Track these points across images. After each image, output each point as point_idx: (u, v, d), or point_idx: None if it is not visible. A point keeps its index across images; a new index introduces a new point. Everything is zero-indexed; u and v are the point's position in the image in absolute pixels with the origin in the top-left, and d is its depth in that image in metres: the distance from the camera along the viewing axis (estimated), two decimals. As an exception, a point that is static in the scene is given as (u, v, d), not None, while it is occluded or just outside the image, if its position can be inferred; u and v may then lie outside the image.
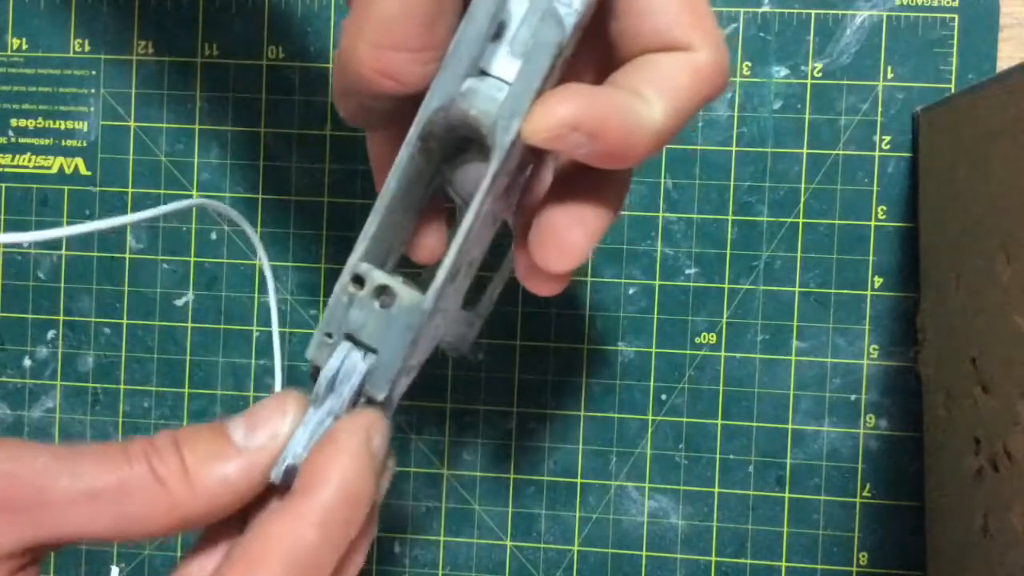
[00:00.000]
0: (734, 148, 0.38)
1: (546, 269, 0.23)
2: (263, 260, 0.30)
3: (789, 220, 0.38)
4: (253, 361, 0.39)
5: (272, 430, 0.22)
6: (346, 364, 0.22)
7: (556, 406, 0.39)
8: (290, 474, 0.21)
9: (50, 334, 0.40)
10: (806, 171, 0.38)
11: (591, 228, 0.23)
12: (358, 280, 0.22)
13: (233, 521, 0.23)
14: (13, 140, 0.40)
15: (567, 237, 0.23)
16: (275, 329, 0.29)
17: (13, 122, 0.40)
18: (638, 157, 0.22)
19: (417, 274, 0.25)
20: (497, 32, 0.22)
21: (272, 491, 0.22)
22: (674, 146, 0.38)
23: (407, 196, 0.23)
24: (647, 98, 0.21)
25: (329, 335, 0.22)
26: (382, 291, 0.22)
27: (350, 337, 0.22)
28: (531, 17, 0.21)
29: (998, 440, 0.30)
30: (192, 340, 0.40)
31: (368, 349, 0.22)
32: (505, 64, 0.22)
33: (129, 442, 0.21)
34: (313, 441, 0.22)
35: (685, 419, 0.38)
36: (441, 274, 0.22)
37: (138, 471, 0.21)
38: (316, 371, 0.23)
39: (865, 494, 0.38)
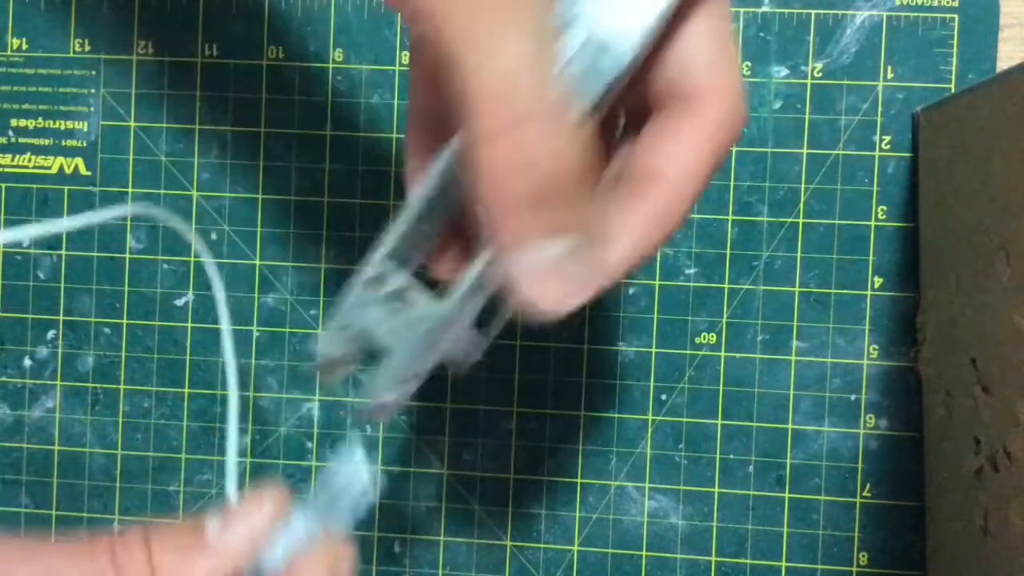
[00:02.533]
0: (734, 148, 0.38)
1: None
2: (213, 279, 0.29)
3: (789, 220, 0.38)
4: (253, 361, 0.39)
5: (247, 526, 0.21)
6: (354, 480, 0.22)
7: (556, 406, 0.39)
8: None
9: (50, 334, 0.40)
10: (806, 171, 0.38)
11: None
12: (379, 278, 0.22)
13: None
14: (13, 140, 0.40)
15: None
16: (232, 388, 0.28)
17: (13, 122, 0.40)
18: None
19: (435, 283, 0.25)
20: None
21: None
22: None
23: (440, 200, 0.23)
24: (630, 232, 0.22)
25: (343, 328, 0.22)
26: (403, 292, 0.22)
27: (364, 333, 0.22)
28: (586, 49, 0.21)
29: (998, 440, 0.30)
30: (192, 340, 0.40)
31: (380, 347, 0.22)
32: None
33: (98, 536, 0.21)
34: (293, 551, 0.21)
35: (685, 419, 0.38)
36: (464, 285, 0.22)
37: (100, 565, 0.20)
38: (327, 365, 0.22)
39: (865, 494, 0.38)
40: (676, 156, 0.22)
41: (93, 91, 0.40)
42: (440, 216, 0.24)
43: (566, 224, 0.19)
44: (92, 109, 0.40)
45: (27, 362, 0.40)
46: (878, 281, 0.37)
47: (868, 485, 0.38)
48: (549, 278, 0.20)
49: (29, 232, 0.25)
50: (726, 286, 0.38)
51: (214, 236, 0.39)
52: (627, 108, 0.24)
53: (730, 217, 0.38)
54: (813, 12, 0.37)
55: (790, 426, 0.38)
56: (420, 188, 0.22)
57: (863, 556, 0.38)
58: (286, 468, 0.39)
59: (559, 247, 0.19)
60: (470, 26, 0.18)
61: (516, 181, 0.18)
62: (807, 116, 0.37)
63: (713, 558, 0.38)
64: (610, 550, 0.38)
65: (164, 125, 0.40)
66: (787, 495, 0.38)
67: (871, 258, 0.37)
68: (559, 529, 0.39)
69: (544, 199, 0.19)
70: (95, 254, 0.40)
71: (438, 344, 0.22)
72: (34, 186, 0.40)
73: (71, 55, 0.40)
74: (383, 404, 0.23)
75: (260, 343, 0.39)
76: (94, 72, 0.40)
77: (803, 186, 0.38)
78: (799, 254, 0.38)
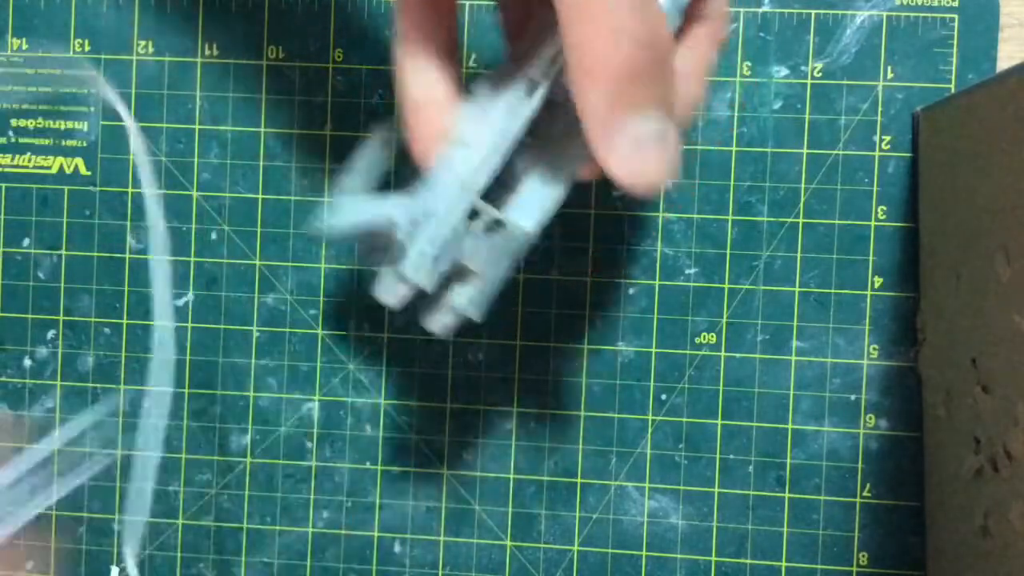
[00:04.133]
0: (734, 148, 0.38)
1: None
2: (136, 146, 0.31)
3: (789, 220, 0.38)
4: (253, 361, 0.39)
5: None
6: None
7: (556, 406, 0.39)
8: None
9: (50, 334, 0.40)
10: (806, 171, 0.38)
11: None
12: (474, 214, 0.25)
13: None
14: (13, 140, 0.40)
15: None
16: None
17: (13, 122, 0.40)
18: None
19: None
20: None
21: None
22: (674, 146, 0.38)
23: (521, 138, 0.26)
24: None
25: (436, 259, 0.25)
26: (495, 224, 0.26)
27: (457, 265, 0.26)
28: None
29: (998, 440, 0.30)
30: (192, 340, 0.40)
31: (472, 274, 0.26)
32: None
33: None
34: None
35: (685, 419, 0.38)
36: (547, 203, 0.26)
37: None
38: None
39: (865, 494, 0.38)
40: (689, 57, 0.25)
41: (93, 91, 0.40)
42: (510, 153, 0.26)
43: (657, 100, 0.20)
44: (92, 109, 0.40)
45: (27, 362, 0.40)
46: (878, 281, 0.37)
47: (868, 485, 0.38)
48: (640, 155, 0.21)
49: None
50: (726, 286, 0.38)
51: (214, 236, 0.39)
52: None
53: (730, 217, 0.38)
54: (813, 12, 0.37)
55: (790, 426, 0.38)
56: (512, 126, 0.25)
57: (863, 556, 0.38)
58: (286, 468, 0.39)
59: (650, 124, 0.20)
60: None
61: (615, 51, 0.19)
62: (807, 116, 0.37)
63: (713, 558, 0.38)
64: (610, 550, 0.38)
65: (164, 125, 0.40)
66: (787, 495, 0.38)
67: (871, 258, 0.37)
68: (559, 529, 0.39)
69: (640, 72, 0.19)
70: (95, 254, 0.40)
71: (516, 264, 0.26)
72: (34, 186, 0.40)
73: (71, 55, 0.40)
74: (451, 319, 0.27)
75: (260, 343, 0.39)
76: (94, 72, 0.40)
77: (803, 186, 0.38)
78: (799, 254, 0.38)
